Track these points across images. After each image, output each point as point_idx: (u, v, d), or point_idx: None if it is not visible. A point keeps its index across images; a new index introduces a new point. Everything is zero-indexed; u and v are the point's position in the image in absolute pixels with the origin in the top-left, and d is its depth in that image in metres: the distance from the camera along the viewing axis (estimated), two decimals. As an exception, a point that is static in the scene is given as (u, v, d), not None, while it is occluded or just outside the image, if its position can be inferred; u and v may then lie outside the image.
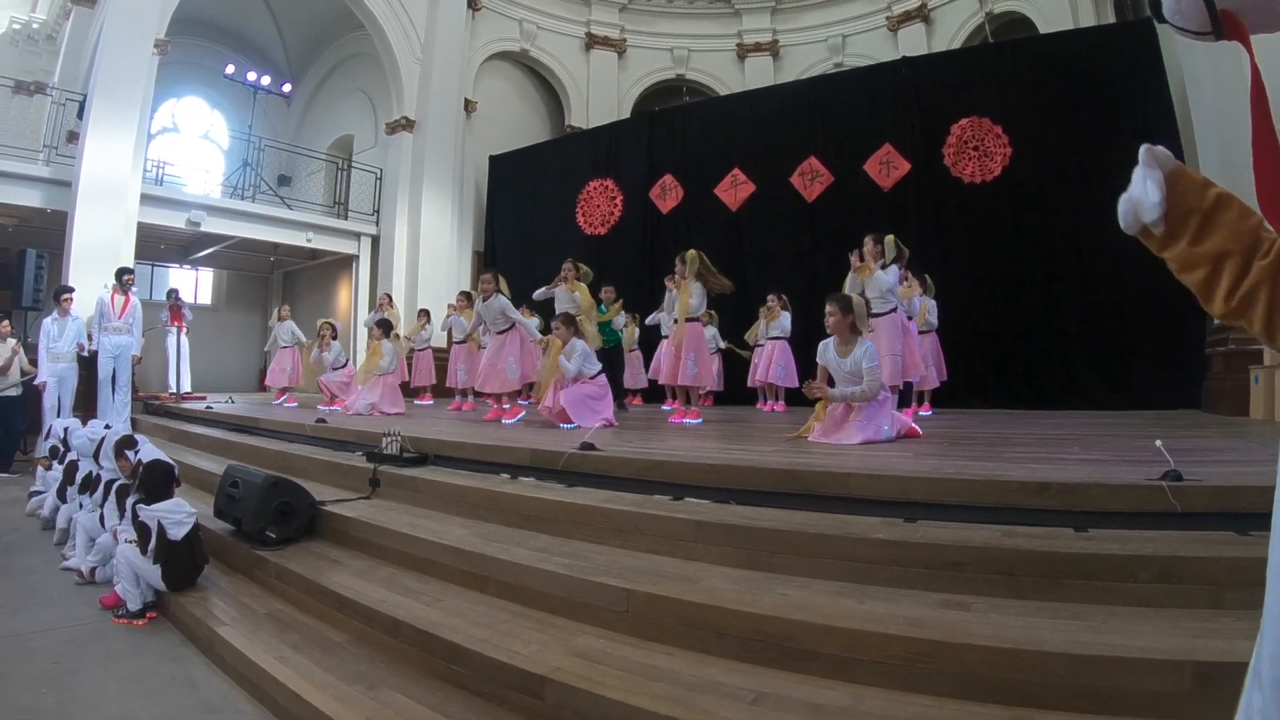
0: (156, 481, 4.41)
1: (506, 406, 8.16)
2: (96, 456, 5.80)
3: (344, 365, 10.85)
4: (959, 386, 9.40)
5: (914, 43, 15.54)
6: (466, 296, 10.88)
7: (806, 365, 6.81)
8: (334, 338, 10.92)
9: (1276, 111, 1.01)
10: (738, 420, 8.48)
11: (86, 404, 10.20)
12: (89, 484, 5.80)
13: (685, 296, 7.80)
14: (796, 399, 10.52)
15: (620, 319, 10.78)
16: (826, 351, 5.76)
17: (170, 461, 4.68)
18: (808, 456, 4.46)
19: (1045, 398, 9.80)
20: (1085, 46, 10.51)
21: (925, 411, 8.48)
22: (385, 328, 9.91)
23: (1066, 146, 10.19)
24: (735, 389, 11.63)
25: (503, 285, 8.26)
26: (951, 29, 15.51)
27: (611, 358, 10.01)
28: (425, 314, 12.86)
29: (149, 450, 4.80)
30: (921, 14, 15.98)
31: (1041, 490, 3.07)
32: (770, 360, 10.28)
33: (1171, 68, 9.42)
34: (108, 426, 6.23)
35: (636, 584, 2.97)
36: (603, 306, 9.96)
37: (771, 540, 3.14)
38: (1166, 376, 9.10)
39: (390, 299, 12.52)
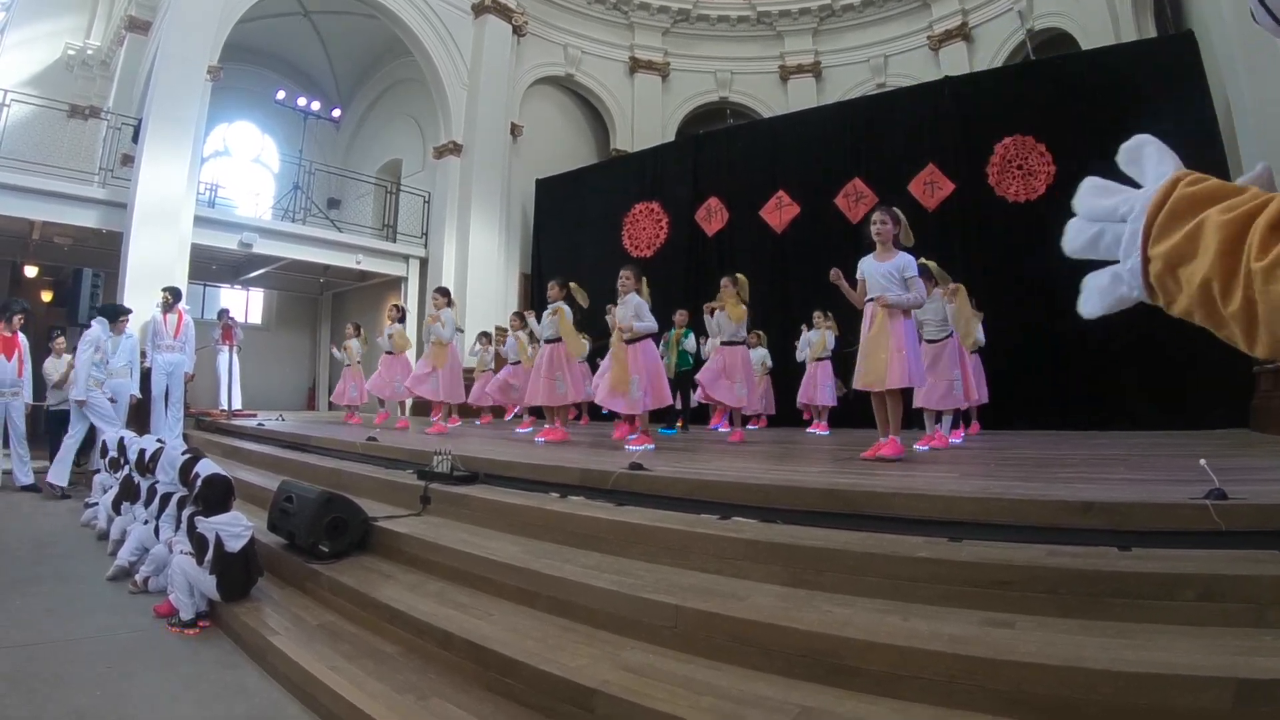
0: (216, 495, 4.52)
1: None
2: (140, 467, 5.96)
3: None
4: (1008, 408, 9.29)
5: (956, 62, 15.54)
6: (520, 317, 11.01)
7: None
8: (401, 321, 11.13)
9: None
10: (785, 441, 8.47)
11: (139, 419, 10.40)
12: (135, 493, 5.95)
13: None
14: (838, 420, 10.50)
15: (690, 343, 10.60)
16: (865, 262, 5.79)
17: (228, 476, 4.81)
18: (852, 477, 4.46)
19: (1093, 418, 9.65)
20: (1126, 61, 10.43)
21: (974, 432, 8.44)
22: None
23: (1109, 163, 10.00)
24: (783, 411, 11.62)
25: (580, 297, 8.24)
26: (993, 47, 15.51)
27: (683, 382, 10.09)
28: (486, 336, 13.02)
29: (205, 465, 4.92)
30: (962, 33, 16.01)
31: (1086, 510, 3.05)
32: (815, 381, 10.23)
33: (1214, 81, 9.32)
34: (160, 441, 6.39)
35: (685, 600, 2.99)
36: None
37: (817, 558, 3.15)
38: (1215, 395, 8.94)
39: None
